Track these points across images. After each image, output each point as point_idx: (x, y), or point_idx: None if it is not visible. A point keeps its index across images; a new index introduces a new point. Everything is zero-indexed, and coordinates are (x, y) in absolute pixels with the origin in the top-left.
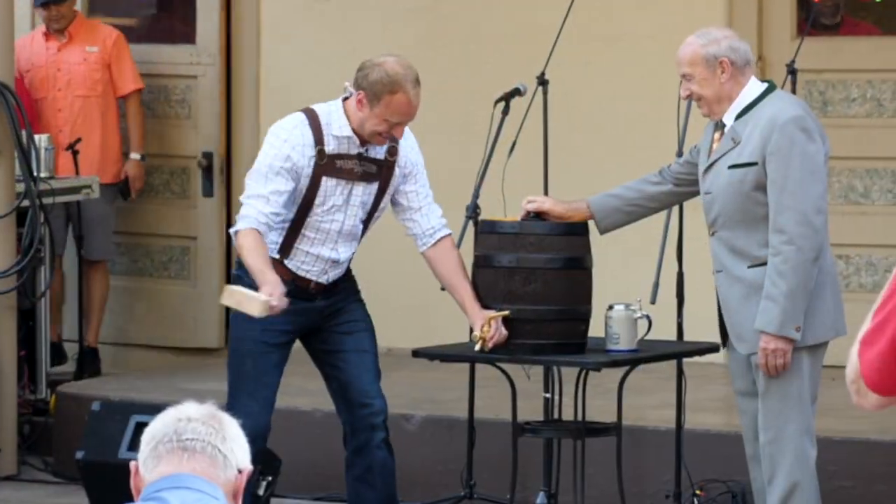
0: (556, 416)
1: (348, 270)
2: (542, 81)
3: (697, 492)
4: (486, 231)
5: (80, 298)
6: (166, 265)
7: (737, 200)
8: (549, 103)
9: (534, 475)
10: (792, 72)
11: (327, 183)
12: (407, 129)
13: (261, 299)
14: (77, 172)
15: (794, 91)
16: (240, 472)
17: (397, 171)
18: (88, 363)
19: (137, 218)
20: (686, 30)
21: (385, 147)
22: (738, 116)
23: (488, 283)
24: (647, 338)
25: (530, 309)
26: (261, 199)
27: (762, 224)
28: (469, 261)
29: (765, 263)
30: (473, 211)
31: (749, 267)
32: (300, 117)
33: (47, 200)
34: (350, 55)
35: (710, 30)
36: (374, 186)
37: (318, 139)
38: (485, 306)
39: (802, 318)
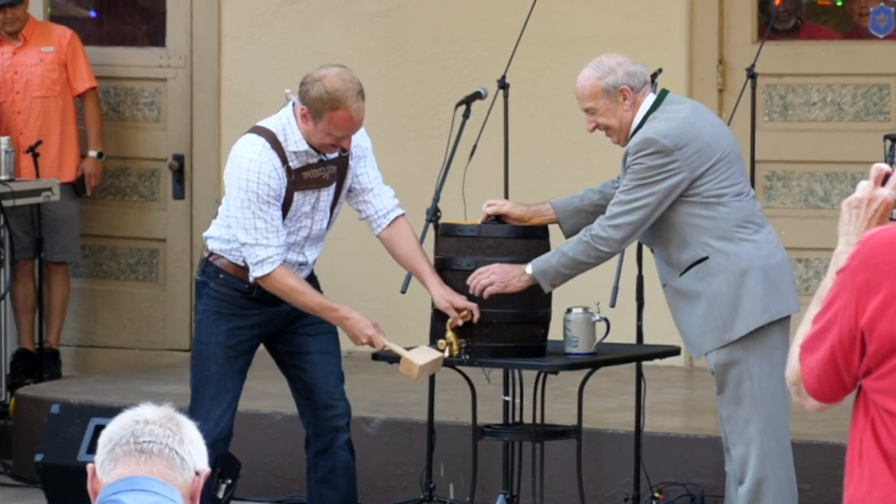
0: (515, 419)
1: (312, 272)
2: (503, 85)
3: (656, 494)
4: (446, 234)
5: (40, 301)
6: (134, 267)
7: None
8: (510, 107)
9: (494, 478)
10: (752, 76)
11: (298, 196)
12: None
13: (437, 356)
14: (38, 175)
15: (753, 95)
16: (197, 474)
17: (352, 162)
18: (49, 365)
19: (104, 220)
20: (647, 33)
21: None
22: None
23: (448, 285)
24: (607, 341)
25: (489, 312)
26: (272, 235)
27: (675, 233)
28: None
29: (688, 268)
30: (434, 214)
31: (680, 275)
32: (260, 141)
33: (7, 203)
34: (312, 58)
35: (603, 59)
36: (335, 185)
37: (283, 158)
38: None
39: (559, 283)
